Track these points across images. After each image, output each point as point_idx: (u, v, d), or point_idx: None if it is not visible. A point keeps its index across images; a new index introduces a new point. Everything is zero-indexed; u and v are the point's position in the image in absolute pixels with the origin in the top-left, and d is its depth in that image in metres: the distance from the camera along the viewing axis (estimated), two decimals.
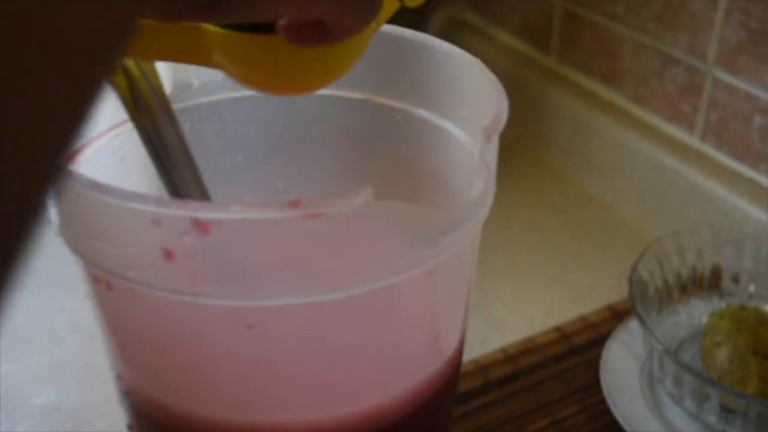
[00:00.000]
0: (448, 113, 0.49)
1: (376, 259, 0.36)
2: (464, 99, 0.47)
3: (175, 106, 0.48)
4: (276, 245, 0.34)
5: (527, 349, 0.76)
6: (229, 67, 0.38)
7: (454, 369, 0.47)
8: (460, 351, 0.47)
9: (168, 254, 0.34)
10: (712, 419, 0.62)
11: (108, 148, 0.48)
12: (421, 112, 0.50)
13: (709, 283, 0.75)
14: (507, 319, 0.82)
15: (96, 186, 0.34)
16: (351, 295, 0.36)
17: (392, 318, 0.40)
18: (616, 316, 0.78)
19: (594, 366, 0.72)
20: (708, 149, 0.90)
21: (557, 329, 0.77)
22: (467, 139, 0.47)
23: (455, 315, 0.44)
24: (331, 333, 0.38)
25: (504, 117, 0.40)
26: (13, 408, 0.73)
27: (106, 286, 0.39)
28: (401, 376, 0.41)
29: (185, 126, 0.53)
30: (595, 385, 0.70)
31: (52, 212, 0.40)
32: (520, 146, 1.11)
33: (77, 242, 0.38)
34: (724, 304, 0.73)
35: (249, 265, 0.35)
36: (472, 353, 0.76)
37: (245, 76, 0.38)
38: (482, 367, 0.74)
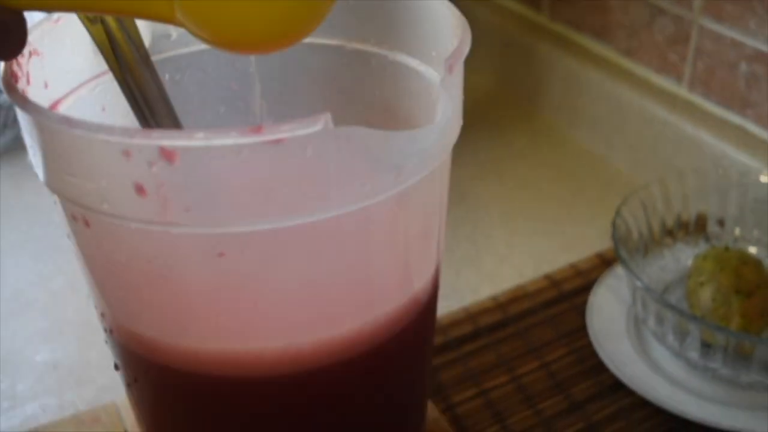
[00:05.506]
0: (419, 54, 0.50)
1: (341, 184, 0.37)
2: (434, 39, 0.48)
3: (155, 57, 0.49)
4: (240, 171, 0.35)
5: (517, 296, 0.77)
6: (192, 25, 0.37)
7: (429, 303, 0.48)
8: (434, 287, 0.48)
9: (138, 184, 0.36)
10: (694, 355, 0.63)
11: (89, 97, 0.49)
12: (394, 55, 0.51)
13: (695, 227, 0.76)
14: (498, 270, 0.83)
15: (65, 120, 0.35)
16: (318, 220, 0.37)
17: (360, 244, 0.41)
18: (604, 263, 0.79)
19: (582, 311, 0.73)
20: (696, 98, 0.90)
21: (547, 277, 0.79)
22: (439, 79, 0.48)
23: (426, 246, 0.45)
24: (300, 259, 0.39)
25: (465, 48, 0.41)
26: (13, 366, 0.74)
27: (84, 223, 0.40)
28: (372, 303, 0.43)
29: (165, 77, 0.54)
30: (583, 329, 0.71)
31: (33, 155, 0.41)
32: (514, 102, 1.12)
33: (55, 180, 0.39)
34: (710, 248, 0.73)
35: (215, 191, 0.36)
36: (463, 302, 0.78)
37: (209, 34, 0.38)
38: (472, 314, 0.75)
